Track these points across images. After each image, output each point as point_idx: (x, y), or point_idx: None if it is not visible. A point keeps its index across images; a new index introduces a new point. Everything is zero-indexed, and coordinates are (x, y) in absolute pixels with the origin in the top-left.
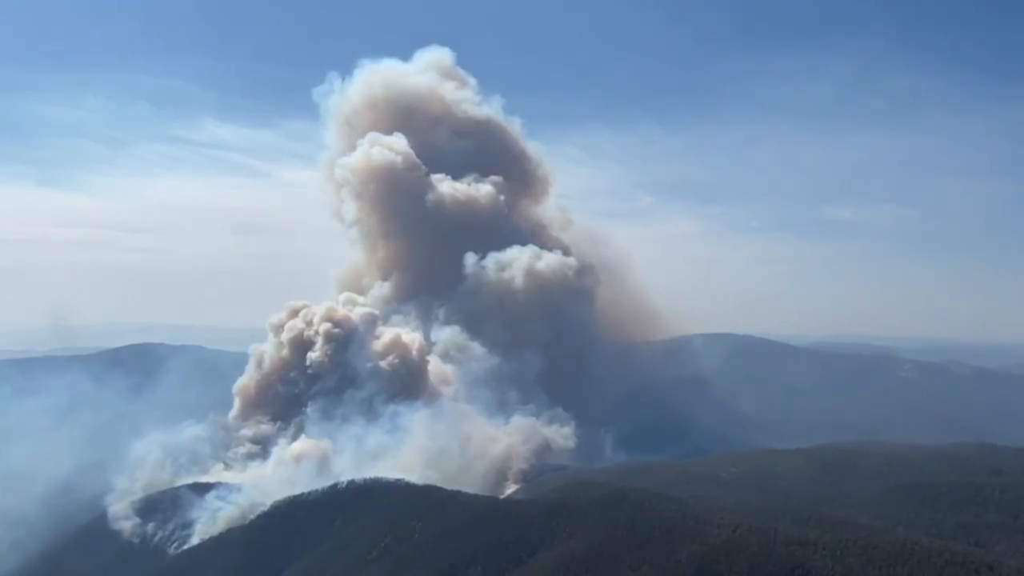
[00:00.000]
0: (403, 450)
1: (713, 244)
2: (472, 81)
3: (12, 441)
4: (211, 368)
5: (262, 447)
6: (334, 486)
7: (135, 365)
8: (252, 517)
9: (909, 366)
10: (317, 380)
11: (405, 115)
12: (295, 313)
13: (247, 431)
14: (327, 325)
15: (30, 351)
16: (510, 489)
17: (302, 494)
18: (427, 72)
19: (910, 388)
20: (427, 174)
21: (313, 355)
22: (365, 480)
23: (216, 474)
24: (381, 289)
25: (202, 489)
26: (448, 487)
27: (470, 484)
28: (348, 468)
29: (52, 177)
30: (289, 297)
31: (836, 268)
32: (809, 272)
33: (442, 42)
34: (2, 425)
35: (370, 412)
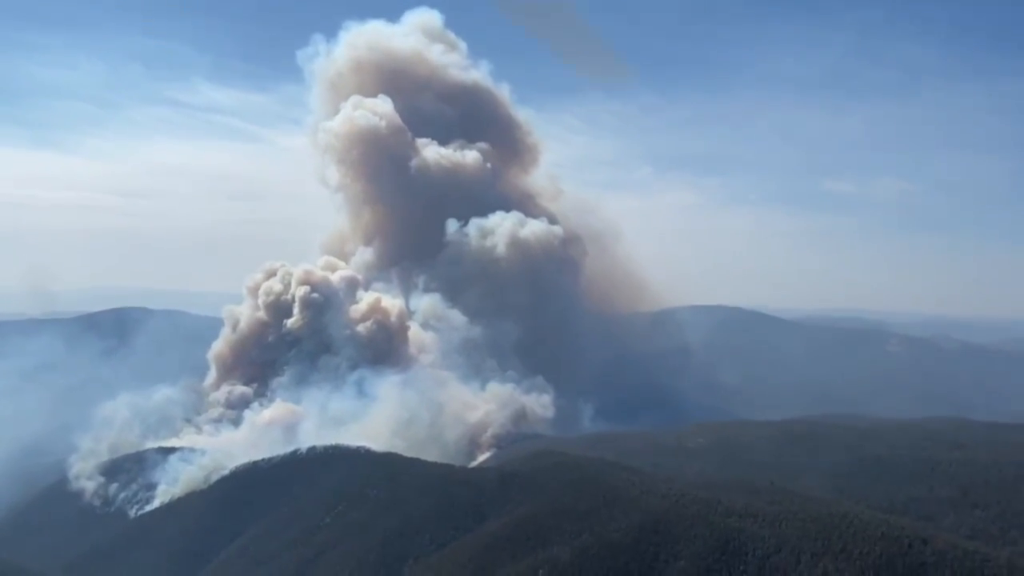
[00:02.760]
0: (372, 417)
1: (710, 215)
2: (462, 45)
3: None
4: (192, 333)
5: (236, 412)
6: (294, 452)
7: (111, 329)
8: (215, 481)
9: (897, 340)
10: (294, 345)
11: (390, 78)
12: (272, 274)
13: (219, 395)
14: (305, 289)
15: (22, 315)
16: (483, 456)
17: (262, 459)
18: (414, 34)
19: (896, 362)
20: (412, 139)
21: (290, 321)
22: (326, 447)
23: (186, 438)
24: (363, 255)
25: (167, 452)
26: (416, 455)
27: (440, 451)
28: (315, 434)
29: (44, 138)
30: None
31: (833, 241)
32: (806, 245)
33: (440, 6)
34: None
35: (342, 378)
